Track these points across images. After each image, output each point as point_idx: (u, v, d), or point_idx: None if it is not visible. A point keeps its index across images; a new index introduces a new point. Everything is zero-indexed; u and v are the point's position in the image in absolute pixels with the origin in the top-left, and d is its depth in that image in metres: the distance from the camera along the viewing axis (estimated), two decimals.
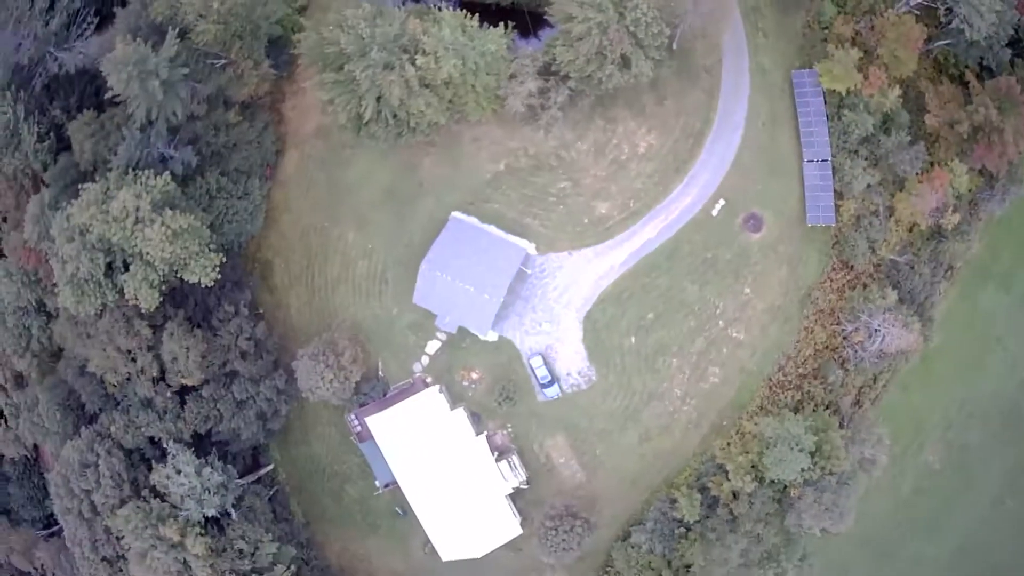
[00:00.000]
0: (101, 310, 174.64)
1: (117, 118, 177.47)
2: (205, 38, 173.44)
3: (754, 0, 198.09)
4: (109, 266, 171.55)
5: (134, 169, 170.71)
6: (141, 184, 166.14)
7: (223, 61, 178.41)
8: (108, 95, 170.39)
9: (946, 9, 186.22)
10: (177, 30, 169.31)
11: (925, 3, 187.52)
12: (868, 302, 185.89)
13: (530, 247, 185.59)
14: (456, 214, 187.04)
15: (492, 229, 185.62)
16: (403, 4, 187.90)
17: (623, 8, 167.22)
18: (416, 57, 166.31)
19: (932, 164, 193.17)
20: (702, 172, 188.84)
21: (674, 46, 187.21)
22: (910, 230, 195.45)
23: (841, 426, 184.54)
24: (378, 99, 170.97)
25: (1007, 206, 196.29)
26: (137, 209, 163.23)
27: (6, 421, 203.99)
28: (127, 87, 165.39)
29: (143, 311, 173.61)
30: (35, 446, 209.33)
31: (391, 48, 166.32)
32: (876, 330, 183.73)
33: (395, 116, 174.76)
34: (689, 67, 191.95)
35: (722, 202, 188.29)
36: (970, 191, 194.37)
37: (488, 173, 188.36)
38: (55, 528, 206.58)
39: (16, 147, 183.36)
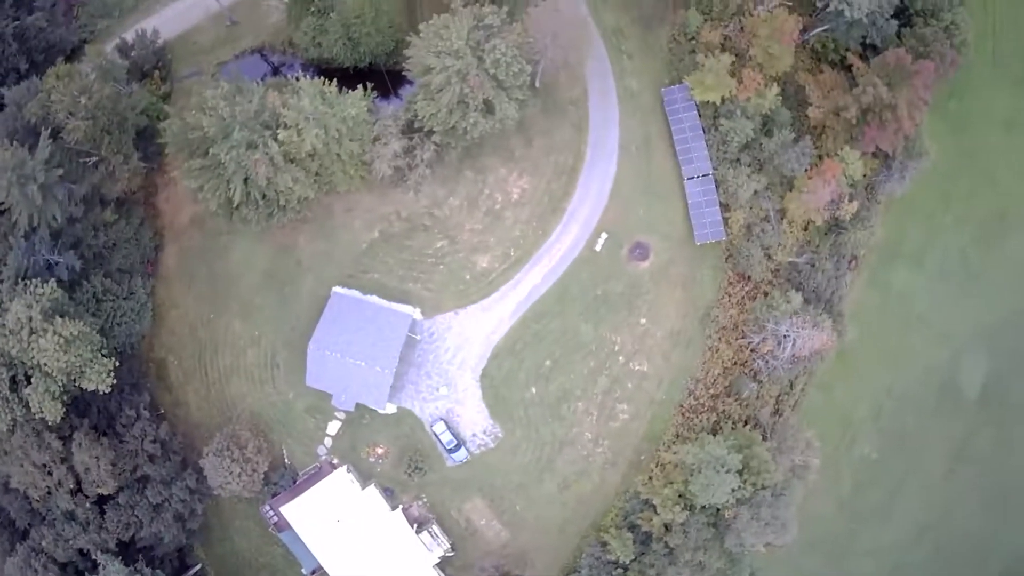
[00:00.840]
0: (12, 426, 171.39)
1: (3, 227, 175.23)
2: (76, 135, 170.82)
3: (614, 21, 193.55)
4: (13, 380, 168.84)
5: (23, 278, 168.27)
6: (31, 294, 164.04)
7: (95, 159, 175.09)
8: None
9: None
10: (49, 130, 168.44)
11: None
12: (772, 310, 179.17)
13: (415, 312, 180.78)
14: (337, 289, 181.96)
15: (375, 299, 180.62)
16: (262, 79, 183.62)
17: (481, 52, 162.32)
18: (278, 132, 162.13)
19: (820, 157, 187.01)
20: (580, 208, 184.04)
21: (537, 83, 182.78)
22: (805, 228, 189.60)
23: (764, 438, 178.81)
24: (246, 180, 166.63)
25: (907, 184, 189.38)
26: (30, 320, 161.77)
27: None
28: (8, 194, 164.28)
29: (51, 424, 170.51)
30: None
31: (252, 125, 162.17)
32: (785, 336, 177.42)
33: (264, 196, 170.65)
34: (554, 103, 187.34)
35: (605, 236, 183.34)
36: (865, 176, 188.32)
37: (364, 243, 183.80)
38: None
39: None
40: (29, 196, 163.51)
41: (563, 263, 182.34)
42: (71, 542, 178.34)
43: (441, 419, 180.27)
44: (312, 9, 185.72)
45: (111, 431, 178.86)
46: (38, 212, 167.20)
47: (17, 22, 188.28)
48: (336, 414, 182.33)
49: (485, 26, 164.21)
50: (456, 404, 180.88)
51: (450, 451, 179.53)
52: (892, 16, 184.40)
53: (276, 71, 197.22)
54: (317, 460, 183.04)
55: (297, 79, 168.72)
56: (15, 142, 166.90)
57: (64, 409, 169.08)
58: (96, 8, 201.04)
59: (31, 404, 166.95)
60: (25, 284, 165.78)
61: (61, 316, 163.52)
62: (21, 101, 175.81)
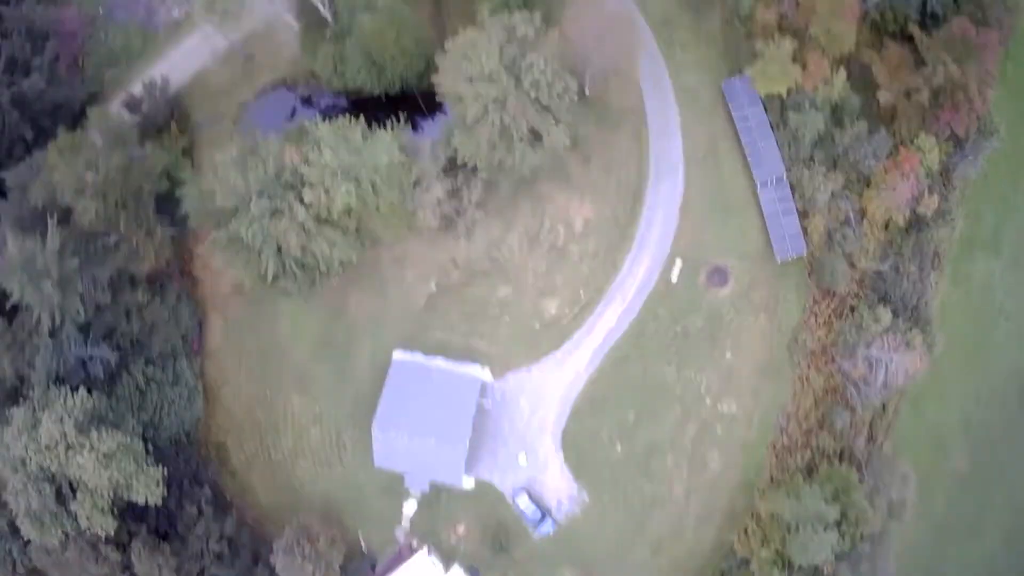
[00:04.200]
0: (65, 540, 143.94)
1: (27, 325, 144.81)
2: (87, 217, 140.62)
3: (662, 10, 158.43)
4: (59, 493, 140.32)
5: (56, 380, 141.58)
6: (61, 406, 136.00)
7: (115, 238, 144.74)
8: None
9: None
10: (55, 217, 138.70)
11: None
12: (862, 331, 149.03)
13: (484, 373, 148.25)
14: (398, 354, 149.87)
15: (440, 362, 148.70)
16: (291, 116, 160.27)
17: (517, 71, 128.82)
18: (303, 192, 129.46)
19: (896, 146, 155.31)
20: (650, 233, 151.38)
21: (587, 91, 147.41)
22: (886, 227, 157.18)
23: (860, 473, 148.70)
24: (279, 250, 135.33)
25: (980, 165, 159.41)
26: (64, 435, 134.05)
27: None
28: (23, 293, 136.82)
29: (105, 535, 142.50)
30: None
31: (273, 190, 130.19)
32: (877, 360, 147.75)
33: (302, 265, 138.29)
34: (608, 113, 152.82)
35: (679, 263, 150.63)
36: (941, 161, 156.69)
37: (420, 298, 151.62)
38: None
39: None
40: (45, 294, 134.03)
41: (638, 299, 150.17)
42: None
43: (523, 490, 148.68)
44: (328, 35, 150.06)
45: (173, 531, 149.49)
46: (59, 309, 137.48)
47: (13, 87, 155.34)
48: (412, 493, 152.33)
49: (518, 39, 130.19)
50: (538, 472, 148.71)
51: (535, 524, 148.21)
52: None
53: (307, 102, 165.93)
54: (395, 544, 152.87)
55: (316, 125, 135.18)
56: (24, 230, 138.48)
57: (117, 521, 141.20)
58: (101, 57, 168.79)
59: (79, 519, 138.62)
60: (57, 392, 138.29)
61: (98, 427, 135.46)
62: (24, 183, 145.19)
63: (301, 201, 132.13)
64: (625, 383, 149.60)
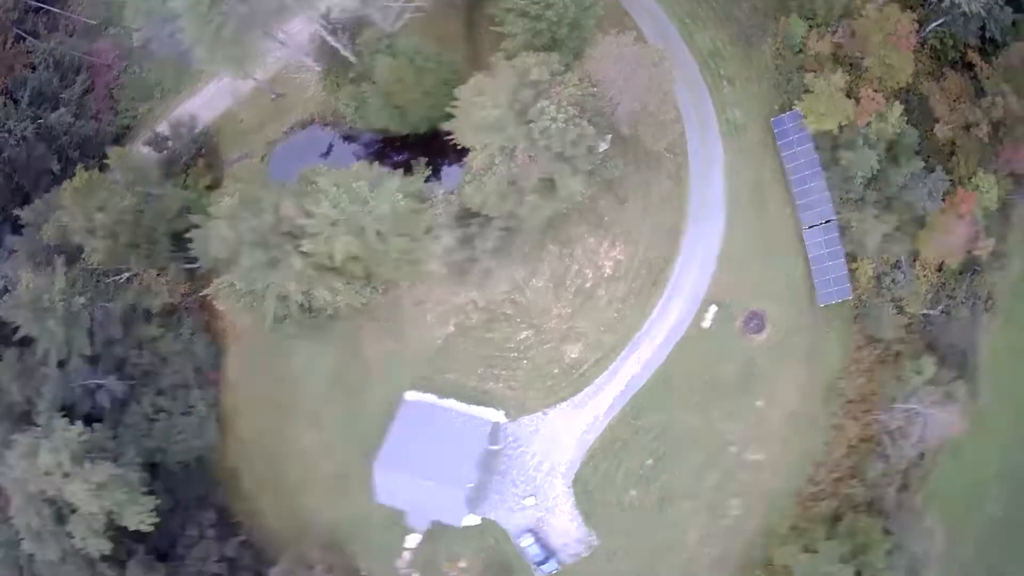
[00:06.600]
0: (63, 556, 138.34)
1: (38, 355, 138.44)
2: (97, 257, 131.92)
3: (710, 42, 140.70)
4: (59, 513, 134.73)
5: (63, 409, 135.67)
6: (60, 437, 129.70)
7: (127, 275, 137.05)
8: None
9: None
10: (63, 257, 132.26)
11: None
12: (903, 384, 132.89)
13: (498, 415, 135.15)
14: (409, 395, 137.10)
15: (452, 404, 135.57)
16: (326, 154, 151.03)
17: (527, 118, 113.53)
18: (303, 243, 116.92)
19: (953, 183, 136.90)
20: (684, 278, 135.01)
21: (622, 131, 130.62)
22: (939, 270, 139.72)
23: (885, 522, 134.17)
24: (284, 296, 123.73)
25: None
26: (59, 464, 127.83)
27: None
28: (30, 328, 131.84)
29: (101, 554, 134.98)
30: None
31: (269, 240, 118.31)
32: (916, 413, 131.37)
33: (308, 309, 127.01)
34: (646, 152, 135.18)
35: (714, 308, 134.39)
36: (1000, 199, 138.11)
37: (438, 339, 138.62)
38: None
39: None
40: (50, 329, 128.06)
41: (666, 346, 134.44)
42: None
43: (529, 531, 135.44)
44: (350, 76, 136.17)
45: (172, 551, 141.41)
46: (65, 344, 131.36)
47: (39, 121, 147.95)
48: (414, 528, 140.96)
49: (531, 83, 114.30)
50: (545, 513, 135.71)
51: (538, 564, 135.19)
52: (1007, 2, 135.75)
53: (343, 139, 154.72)
54: (395, 575, 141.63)
55: (319, 174, 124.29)
56: (37, 266, 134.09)
57: (113, 543, 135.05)
58: (136, 91, 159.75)
59: (75, 540, 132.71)
60: (59, 422, 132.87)
61: (93, 458, 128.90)
62: (38, 221, 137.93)
63: (300, 251, 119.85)
64: (645, 430, 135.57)
